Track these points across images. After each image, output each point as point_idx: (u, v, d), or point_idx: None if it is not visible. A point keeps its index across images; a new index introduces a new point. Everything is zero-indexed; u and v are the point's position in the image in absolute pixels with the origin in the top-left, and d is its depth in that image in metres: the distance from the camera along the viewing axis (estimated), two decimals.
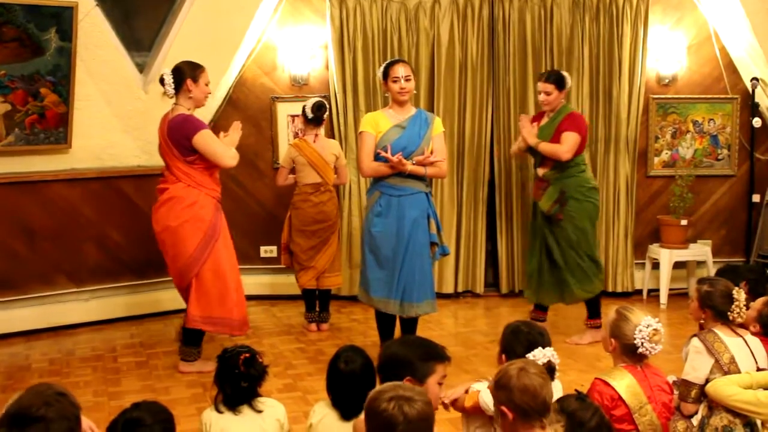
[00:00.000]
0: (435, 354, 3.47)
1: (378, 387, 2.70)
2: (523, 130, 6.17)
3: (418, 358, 3.42)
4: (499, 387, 2.92)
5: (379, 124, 5.55)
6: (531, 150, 6.18)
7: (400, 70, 5.52)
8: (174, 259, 5.46)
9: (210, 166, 5.44)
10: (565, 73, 6.21)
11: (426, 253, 5.53)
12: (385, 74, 5.57)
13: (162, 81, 5.46)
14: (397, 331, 5.54)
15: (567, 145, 5.93)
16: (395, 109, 5.61)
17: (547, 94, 6.04)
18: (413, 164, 5.40)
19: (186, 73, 5.40)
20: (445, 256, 6.09)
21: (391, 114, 5.60)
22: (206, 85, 5.53)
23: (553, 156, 5.98)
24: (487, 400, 3.36)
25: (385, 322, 5.63)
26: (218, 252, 5.45)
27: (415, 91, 5.72)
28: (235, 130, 5.63)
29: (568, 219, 6.02)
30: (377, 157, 5.45)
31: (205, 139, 5.34)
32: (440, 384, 3.43)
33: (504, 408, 2.88)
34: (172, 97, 5.48)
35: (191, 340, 5.60)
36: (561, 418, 3.06)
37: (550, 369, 3.27)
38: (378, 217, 5.50)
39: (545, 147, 6.01)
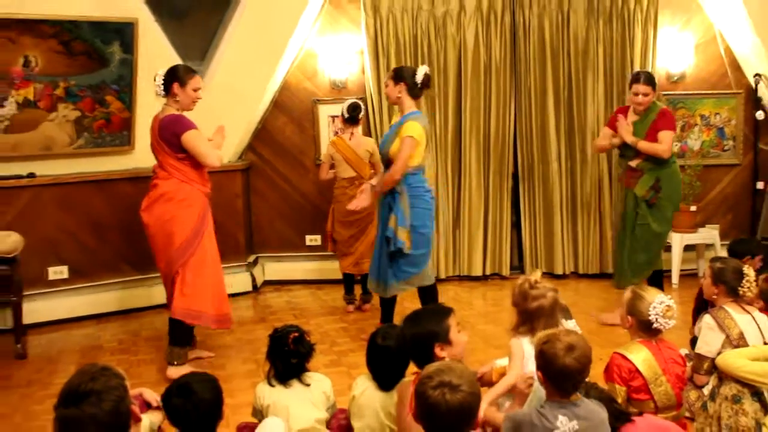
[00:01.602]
0: (441, 314, 3.49)
1: (428, 369, 2.67)
2: (621, 128, 5.86)
3: (432, 326, 3.43)
4: (542, 356, 2.97)
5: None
6: (623, 144, 5.92)
7: (385, 77, 5.72)
8: (162, 250, 5.13)
9: (199, 163, 5.15)
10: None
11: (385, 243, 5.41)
12: None
13: (155, 80, 5.17)
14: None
15: (666, 144, 5.71)
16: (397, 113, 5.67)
17: (645, 95, 5.73)
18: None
19: (175, 77, 5.09)
20: (398, 250, 5.39)
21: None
22: (194, 90, 5.14)
23: (654, 154, 5.74)
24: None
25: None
26: (204, 246, 5.17)
27: (399, 95, 5.33)
28: (219, 133, 5.39)
29: (659, 207, 5.84)
30: None
31: (192, 139, 5.03)
32: (459, 331, 3.46)
33: (541, 373, 2.98)
34: (164, 97, 5.15)
35: (178, 339, 5.18)
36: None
37: None
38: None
39: (644, 145, 5.74)
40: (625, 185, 5.99)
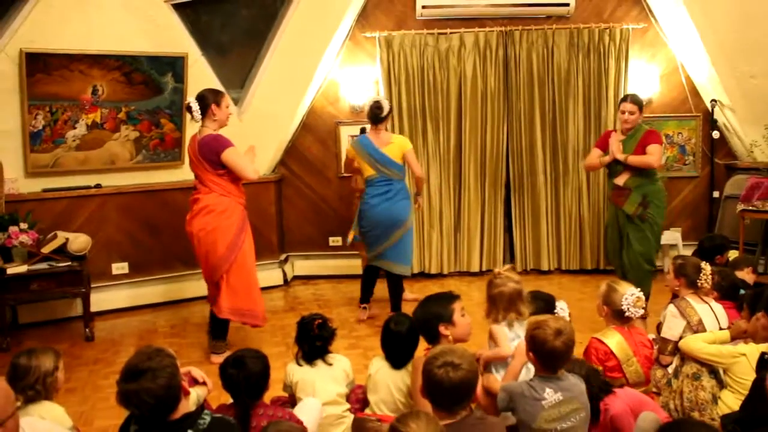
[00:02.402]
0: (447, 299, 3.52)
1: (433, 351, 2.72)
2: (612, 145, 5.53)
3: (439, 309, 3.47)
4: (533, 340, 3.01)
5: None
6: (611, 163, 5.55)
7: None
8: (206, 257, 4.93)
9: (236, 177, 4.95)
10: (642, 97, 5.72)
11: None
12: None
13: (189, 108, 4.92)
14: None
15: (655, 155, 5.33)
16: None
17: (631, 113, 5.43)
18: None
19: (210, 99, 4.91)
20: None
21: None
22: (227, 107, 5.04)
23: (645, 166, 5.34)
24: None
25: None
26: (244, 252, 4.98)
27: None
28: (250, 152, 5.11)
29: (648, 222, 5.42)
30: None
31: (232, 156, 4.84)
32: (463, 315, 3.50)
33: (531, 353, 3.05)
34: (198, 122, 4.96)
35: (219, 334, 5.14)
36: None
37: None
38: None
39: (635, 159, 5.35)
40: (614, 203, 5.57)
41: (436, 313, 3.45)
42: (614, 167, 5.54)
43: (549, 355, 2.97)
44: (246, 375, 3.07)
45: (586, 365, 3.30)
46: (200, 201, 4.96)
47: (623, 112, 5.51)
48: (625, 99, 5.59)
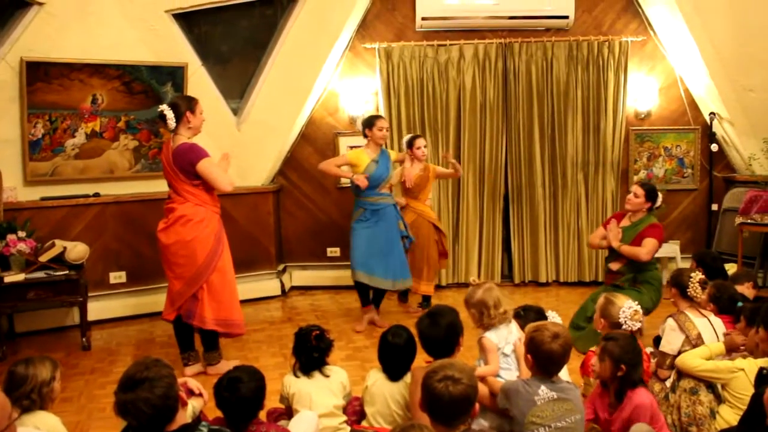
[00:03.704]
0: (455, 311, 3.53)
1: (433, 365, 2.70)
2: (610, 233, 5.39)
3: (457, 318, 3.48)
4: (532, 342, 3.10)
5: (360, 158, 5.92)
6: (611, 248, 5.44)
7: (384, 123, 5.96)
8: (185, 268, 4.75)
9: (211, 187, 4.81)
10: (659, 193, 5.46)
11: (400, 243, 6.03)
12: (371, 124, 5.90)
13: (162, 116, 4.72)
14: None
15: (647, 248, 5.22)
16: (372, 148, 5.95)
17: (636, 196, 5.38)
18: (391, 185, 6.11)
19: (184, 107, 4.74)
20: (412, 243, 6.20)
21: (369, 152, 5.94)
22: (201, 113, 4.85)
23: (633, 257, 5.25)
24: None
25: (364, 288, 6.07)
26: (223, 261, 4.85)
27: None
28: (224, 160, 4.97)
29: (642, 290, 5.24)
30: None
31: (207, 167, 4.69)
32: None
33: (529, 356, 3.12)
34: (171, 129, 4.77)
35: (211, 345, 4.98)
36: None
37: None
38: (366, 222, 5.91)
39: (626, 249, 5.27)
40: (606, 283, 5.55)
41: (458, 321, 3.48)
42: (613, 251, 5.45)
43: (546, 357, 3.05)
44: (239, 398, 3.06)
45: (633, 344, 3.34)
46: (176, 210, 4.78)
47: (629, 192, 5.55)
48: (639, 181, 5.60)
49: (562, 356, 3.06)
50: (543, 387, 3.02)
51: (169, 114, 4.70)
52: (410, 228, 6.16)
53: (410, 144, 6.25)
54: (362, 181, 5.78)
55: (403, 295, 6.59)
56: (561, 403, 3.01)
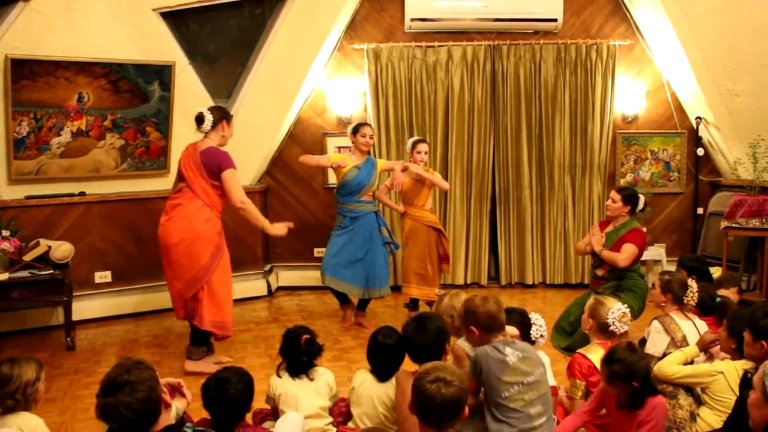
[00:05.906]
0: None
1: (425, 366, 2.68)
2: (593, 238, 5.43)
3: (441, 330, 3.48)
4: (468, 313, 3.33)
5: (344, 160, 6.03)
6: (595, 253, 5.43)
7: (369, 131, 6.07)
8: (186, 268, 4.83)
9: (224, 194, 4.97)
10: (640, 197, 5.43)
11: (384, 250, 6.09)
12: (356, 130, 6.05)
13: (201, 118, 4.95)
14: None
15: (625, 254, 5.18)
16: (357, 155, 6.06)
17: (613, 201, 5.37)
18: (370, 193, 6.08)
19: (221, 115, 5.01)
20: (398, 249, 6.33)
21: (353, 159, 6.06)
22: (231, 129, 5.15)
23: (611, 263, 5.25)
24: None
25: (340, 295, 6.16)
26: (224, 263, 4.96)
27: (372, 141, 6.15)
28: (284, 228, 5.27)
29: (625, 297, 5.15)
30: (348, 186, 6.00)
31: (231, 177, 4.91)
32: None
33: (473, 327, 3.29)
34: (204, 132, 4.99)
35: (200, 341, 5.06)
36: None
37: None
38: (344, 229, 6.01)
39: (606, 254, 5.28)
40: (592, 289, 5.49)
41: (445, 326, 3.52)
42: (596, 257, 5.46)
43: (488, 317, 3.25)
44: (227, 399, 3.05)
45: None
46: (182, 207, 4.89)
47: (607, 198, 5.59)
48: (617, 187, 5.64)
49: (499, 312, 3.27)
50: (508, 348, 3.10)
51: (209, 117, 4.94)
52: (407, 234, 6.14)
53: (413, 147, 6.18)
54: (342, 162, 5.98)
55: (413, 304, 6.37)
56: (527, 360, 3.09)
